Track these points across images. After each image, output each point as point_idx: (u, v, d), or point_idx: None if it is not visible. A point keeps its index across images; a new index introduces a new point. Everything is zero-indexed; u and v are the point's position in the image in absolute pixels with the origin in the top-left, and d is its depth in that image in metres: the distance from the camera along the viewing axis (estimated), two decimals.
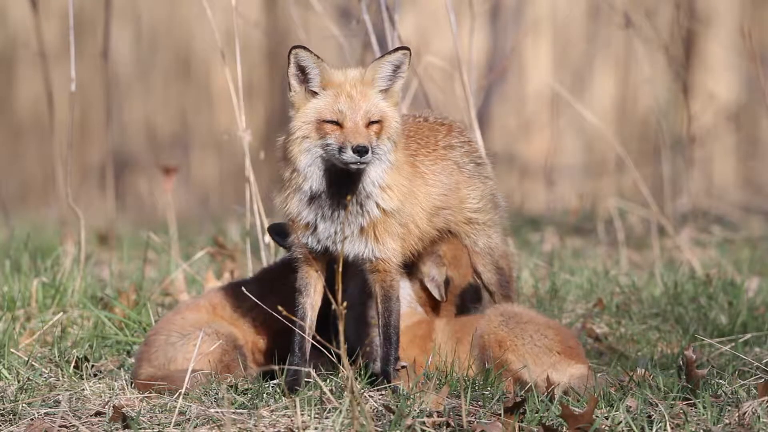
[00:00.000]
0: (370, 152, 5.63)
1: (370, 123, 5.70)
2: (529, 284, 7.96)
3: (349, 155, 5.63)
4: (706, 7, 15.10)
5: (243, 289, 6.20)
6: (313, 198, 5.77)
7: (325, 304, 5.95)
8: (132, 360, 6.51)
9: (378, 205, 5.80)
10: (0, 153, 15.78)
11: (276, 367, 5.95)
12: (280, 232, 6.21)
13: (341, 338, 5.13)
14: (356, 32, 8.29)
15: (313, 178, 5.74)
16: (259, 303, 6.12)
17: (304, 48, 5.72)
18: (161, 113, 15.85)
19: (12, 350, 6.44)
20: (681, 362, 6.08)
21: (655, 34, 10.54)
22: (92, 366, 6.41)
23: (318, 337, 5.78)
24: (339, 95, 5.71)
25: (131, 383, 6.01)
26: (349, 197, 5.74)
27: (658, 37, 10.48)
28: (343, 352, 5.18)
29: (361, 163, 5.64)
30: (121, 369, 6.44)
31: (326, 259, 5.91)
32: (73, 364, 6.31)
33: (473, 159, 6.16)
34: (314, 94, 5.74)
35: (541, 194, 14.64)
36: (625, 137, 14.91)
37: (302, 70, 5.75)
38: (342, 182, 5.75)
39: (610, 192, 13.41)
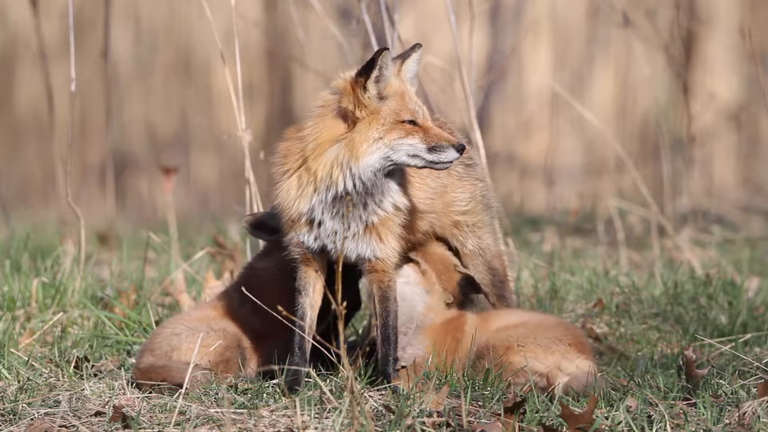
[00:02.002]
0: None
1: None
2: (529, 284, 7.96)
3: (451, 154, 5.67)
4: (706, 7, 15.09)
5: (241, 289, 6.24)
6: (340, 197, 5.75)
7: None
8: (132, 360, 6.51)
9: (393, 202, 5.80)
10: (0, 153, 15.77)
11: (276, 367, 5.95)
12: (257, 225, 6.24)
13: (341, 338, 5.13)
14: (356, 32, 8.29)
15: (364, 177, 5.71)
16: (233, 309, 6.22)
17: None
18: (161, 113, 15.84)
19: (12, 350, 6.44)
20: (681, 362, 6.09)
21: (655, 34, 10.54)
22: (92, 366, 6.41)
23: (318, 337, 5.79)
24: (403, 95, 5.73)
25: (132, 382, 6.00)
26: (348, 196, 5.74)
27: (658, 37, 10.48)
28: (343, 352, 5.18)
29: (452, 162, 5.68)
30: (121, 369, 6.44)
31: (324, 259, 5.90)
32: (73, 364, 6.31)
33: (463, 161, 6.16)
34: (381, 96, 5.73)
35: (541, 194, 14.64)
36: (624, 137, 14.90)
37: (381, 73, 5.73)
38: (391, 177, 5.76)
39: (610, 192, 13.41)
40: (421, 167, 5.73)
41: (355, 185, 5.73)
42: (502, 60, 14.48)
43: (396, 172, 5.78)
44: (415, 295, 6.07)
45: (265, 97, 15.67)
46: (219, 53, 7.74)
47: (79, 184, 14.84)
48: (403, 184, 5.84)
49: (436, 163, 5.69)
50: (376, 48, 7.66)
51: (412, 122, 5.71)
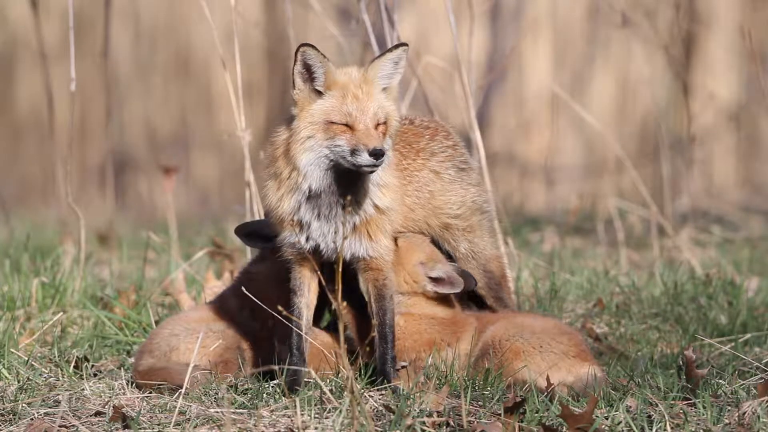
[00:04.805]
0: (385, 155, 5.62)
1: (378, 125, 5.69)
2: (529, 284, 7.95)
3: (365, 158, 5.61)
4: (706, 8, 15.10)
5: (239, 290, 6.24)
6: (311, 197, 5.74)
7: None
8: (132, 360, 6.51)
9: (373, 203, 5.79)
10: (0, 153, 15.78)
11: (276, 367, 5.95)
12: (249, 235, 6.23)
13: (341, 338, 5.13)
14: (356, 32, 8.29)
15: (314, 177, 5.71)
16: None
17: (312, 46, 5.68)
18: (161, 113, 15.85)
19: (12, 350, 6.44)
20: (681, 362, 6.09)
21: (655, 34, 10.55)
22: (92, 366, 6.41)
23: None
24: (345, 96, 5.68)
25: (131, 382, 6.01)
26: (348, 197, 5.73)
27: (658, 37, 10.49)
28: (343, 352, 5.18)
29: (375, 166, 5.62)
30: (121, 369, 6.45)
31: (317, 259, 5.88)
32: (73, 364, 6.31)
33: (456, 164, 6.14)
34: (319, 93, 5.72)
35: (541, 194, 14.65)
36: (624, 137, 14.91)
37: (308, 69, 5.72)
38: (343, 181, 5.73)
39: (610, 192, 13.41)
40: (352, 169, 5.68)
41: (310, 186, 5.71)
42: (502, 60, 14.48)
43: (374, 172, 5.76)
44: None
45: (265, 97, 15.67)
46: (219, 53, 7.74)
47: (79, 184, 14.84)
48: (383, 184, 5.82)
49: (358, 166, 5.65)
50: (375, 48, 7.67)
51: (344, 124, 5.67)
